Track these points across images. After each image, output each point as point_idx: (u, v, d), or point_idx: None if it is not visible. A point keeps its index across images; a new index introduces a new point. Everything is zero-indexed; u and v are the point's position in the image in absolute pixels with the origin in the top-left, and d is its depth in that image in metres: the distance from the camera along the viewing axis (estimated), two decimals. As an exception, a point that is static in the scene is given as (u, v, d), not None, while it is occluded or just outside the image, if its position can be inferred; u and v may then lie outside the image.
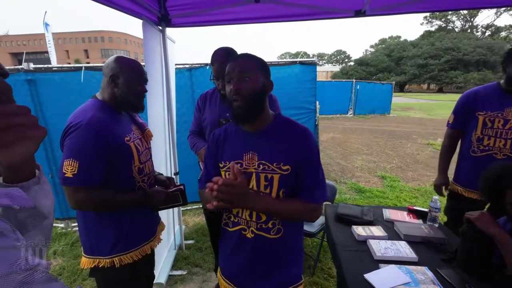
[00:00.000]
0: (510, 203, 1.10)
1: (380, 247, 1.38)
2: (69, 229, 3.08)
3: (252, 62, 0.94)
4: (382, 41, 63.75)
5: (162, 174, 1.49)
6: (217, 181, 0.85)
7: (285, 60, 3.25)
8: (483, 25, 50.58)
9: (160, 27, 2.11)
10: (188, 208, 3.47)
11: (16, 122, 0.40)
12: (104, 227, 1.16)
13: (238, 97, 0.90)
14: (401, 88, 45.61)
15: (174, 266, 2.39)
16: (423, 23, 54.49)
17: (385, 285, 1.12)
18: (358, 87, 13.39)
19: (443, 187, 1.94)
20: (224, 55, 1.48)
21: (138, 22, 1.80)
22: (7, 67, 2.02)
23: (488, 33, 48.63)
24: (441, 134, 8.02)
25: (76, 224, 3.13)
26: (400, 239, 1.48)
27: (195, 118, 1.75)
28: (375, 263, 1.29)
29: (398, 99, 22.65)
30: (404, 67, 42.12)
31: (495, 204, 1.21)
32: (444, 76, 37.90)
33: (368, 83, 15.13)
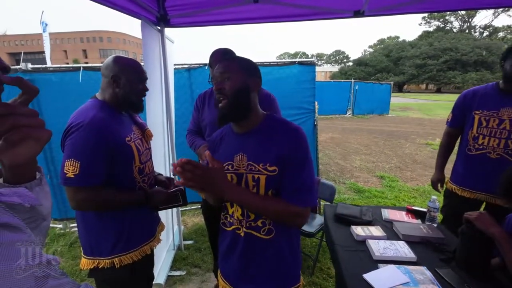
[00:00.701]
0: None
1: (379, 247, 1.38)
2: (68, 229, 3.07)
3: (233, 63, 0.95)
4: (381, 41, 63.91)
5: (161, 175, 1.49)
6: (185, 161, 0.81)
7: (284, 60, 3.25)
8: (481, 26, 50.94)
9: (159, 27, 2.11)
10: (187, 208, 3.47)
11: (22, 123, 0.40)
12: (105, 227, 1.16)
13: (221, 96, 0.93)
14: (399, 88, 45.74)
15: (173, 267, 2.38)
16: (421, 23, 54.62)
17: (384, 285, 1.12)
18: (357, 87, 13.41)
19: (439, 184, 1.96)
20: (222, 57, 1.48)
21: (137, 22, 1.80)
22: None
23: (486, 33, 48.82)
24: (440, 134, 8.04)
25: (74, 224, 3.14)
26: (399, 239, 1.49)
27: (193, 117, 1.75)
28: (374, 263, 1.29)
29: (396, 99, 22.70)
30: (403, 67, 42.23)
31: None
32: (443, 76, 38.03)
33: (367, 83, 15.16)
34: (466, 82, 34.51)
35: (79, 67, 2.64)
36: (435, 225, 1.63)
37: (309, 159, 0.92)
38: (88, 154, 1.04)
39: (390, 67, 44.45)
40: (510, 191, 1.19)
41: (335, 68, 58.00)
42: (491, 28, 48.54)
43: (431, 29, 53.45)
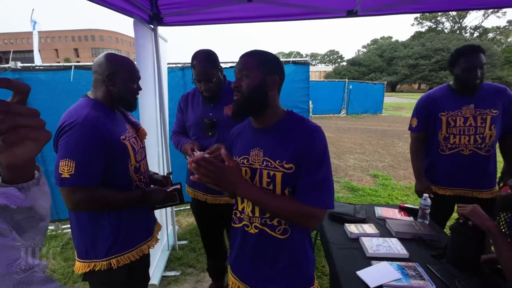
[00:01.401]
0: None
1: (372, 244, 1.40)
2: (59, 231, 3.02)
3: (252, 59, 0.94)
4: (374, 41, 64.56)
5: (157, 174, 1.48)
6: (200, 157, 0.86)
7: (278, 59, 3.26)
8: (472, 27, 51.84)
9: (152, 26, 2.09)
10: (181, 208, 3.45)
11: (22, 123, 0.40)
12: (101, 228, 1.14)
13: (237, 94, 0.94)
14: (392, 88, 46.30)
15: (167, 267, 2.37)
16: (413, 24, 55.44)
17: (377, 282, 1.14)
18: (350, 87, 13.53)
19: (426, 191, 1.95)
20: (203, 58, 1.48)
21: (130, 21, 1.78)
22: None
23: (476, 34, 49.75)
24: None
25: (66, 226, 3.09)
26: (392, 236, 1.51)
27: (177, 118, 1.75)
28: (367, 260, 1.31)
29: (390, 99, 22.98)
30: (396, 67, 42.78)
31: None
32: (435, 76, 38.64)
33: (361, 83, 15.31)
34: (457, 82, 35.05)
35: (70, 66, 2.59)
36: (427, 222, 1.65)
37: (327, 159, 0.90)
38: (83, 153, 1.02)
39: (384, 67, 44.97)
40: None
41: (329, 68, 58.40)
42: (481, 29, 49.50)
43: (423, 29, 54.30)
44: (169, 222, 2.68)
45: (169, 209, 2.62)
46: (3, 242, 0.36)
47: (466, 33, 51.18)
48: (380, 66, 45.06)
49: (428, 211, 1.67)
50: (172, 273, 2.28)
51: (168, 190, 1.30)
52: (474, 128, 1.67)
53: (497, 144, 1.75)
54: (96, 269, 1.14)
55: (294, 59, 3.07)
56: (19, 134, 0.40)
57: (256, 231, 0.96)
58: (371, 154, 6.35)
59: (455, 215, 1.49)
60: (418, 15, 48.70)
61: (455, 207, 1.35)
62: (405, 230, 1.53)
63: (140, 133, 1.31)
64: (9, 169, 0.45)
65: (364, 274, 1.19)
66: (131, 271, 1.22)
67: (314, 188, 0.88)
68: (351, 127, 10.03)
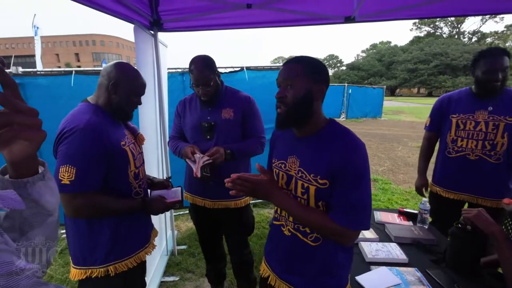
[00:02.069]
0: None
1: (371, 249, 1.39)
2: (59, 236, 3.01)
3: (298, 68, 0.88)
4: (373, 46, 64.97)
5: (156, 178, 1.49)
6: (235, 177, 0.93)
7: (278, 64, 3.28)
8: (470, 31, 52.25)
9: (152, 32, 2.11)
10: (181, 213, 3.44)
11: (15, 120, 0.41)
12: (99, 234, 1.13)
13: (281, 105, 0.91)
14: (392, 92, 46.48)
15: (166, 272, 2.35)
16: (412, 29, 55.90)
17: (376, 287, 1.14)
18: (350, 91, 13.59)
19: (423, 188, 2.00)
20: (201, 63, 1.50)
21: (131, 26, 1.80)
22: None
23: (474, 39, 50.16)
24: (431, 137, 8.00)
25: (64, 231, 3.07)
26: (391, 241, 1.50)
27: (175, 123, 1.76)
28: (366, 265, 1.30)
29: (389, 103, 23.06)
30: (395, 72, 43.04)
31: None
32: (434, 80, 38.89)
33: (360, 87, 15.36)
34: (457, 86, 35.27)
35: (71, 71, 2.61)
36: (426, 226, 1.65)
37: (366, 178, 0.85)
38: (84, 160, 1.02)
39: (383, 72, 45.23)
40: None
41: (329, 72, 58.61)
42: (479, 33, 49.92)
43: (421, 34, 54.70)
44: (168, 227, 2.67)
45: (168, 214, 2.61)
46: None
47: (464, 38, 51.62)
48: (379, 70, 45.32)
49: (428, 215, 1.67)
50: (171, 279, 2.27)
51: (168, 201, 1.31)
52: (484, 134, 1.64)
53: None
54: (93, 276, 1.13)
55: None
56: (11, 132, 0.41)
57: (289, 234, 0.99)
58: (371, 158, 6.35)
59: None
60: (416, 20, 49.15)
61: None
62: (404, 235, 1.52)
63: (138, 139, 1.31)
64: (11, 165, 0.47)
65: (363, 279, 1.19)
66: (128, 279, 1.21)
67: (349, 209, 0.84)
68: (350, 131, 10.04)
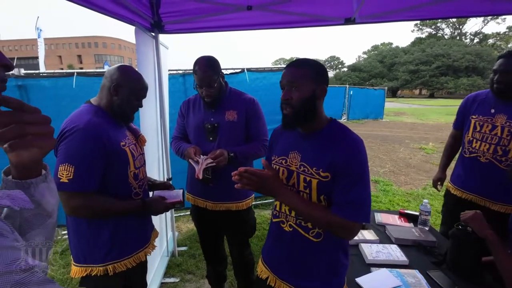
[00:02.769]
0: None
1: (372, 251, 1.39)
2: (59, 237, 3.02)
3: (302, 71, 0.94)
4: (375, 47, 64.93)
5: (157, 180, 1.50)
6: (243, 170, 0.94)
7: (278, 66, 3.30)
8: (472, 33, 52.13)
9: (153, 34, 2.12)
10: (181, 214, 3.44)
11: (31, 131, 0.43)
12: (98, 234, 1.14)
13: (287, 106, 0.95)
14: (393, 93, 46.39)
15: (166, 273, 2.35)
16: (413, 30, 55.74)
17: (376, 289, 1.13)
18: (351, 93, 13.57)
19: (438, 183, 2.02)
20: (205, 64, 1.51)
21: (132, 28, 1.81)
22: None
23: (476, 40, 50.02)
24: (433, 139, 8.07)
25: (66, 232, 3.08)
26: (392, 243, 1.50)
27: (178, 124, 1.77)
28: (366, 267, 1.30)
29: (390, 104, 22.98)
30: (396, 73, 42.95)
31: None
32: (435, 81, 38.77)
33: (361, 88, 15.35)
34: (458, 87, 35.22)
35: (73, 73, 2.63)
36: (427, 228, 1.65)
37: (365, 173, 0.90)
38: (83, 159, 1.03)
39: (384, 73, 45.16)
40: None
41: (330, 74, 58.64)
42: (481, 35, 49.77)
43: (423, 35, 54.62)
44: (169, 228, 2.67)
45: (169, 215, 2.62)
46: (4, 243, 0.37)
47: (466, 39, 51.48)
48: (381, 71, 45.27)
49: (429, 217, 1.67)
50: (171, 280, 2.27)
51: (169, 201, 1.31)
52: (498, 138, 1.62)
53: None
54: (92, 274, 1.14)
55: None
56: (26, 142, 0.43)
57: (291, 229, 1.01)
58: (372, 160, 6.33)
59: None
60: (418, 21, 49.14)
61: None
62: (405, 237, 1.52)
63: (139, 140, 1.32)
64: (17, 167, 0.48)
65: (363, 281, 1.19)
66: (128, 279, 1.22)
67: (351, 203, 0.88)
68: (352, 133, 10.02)
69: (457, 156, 1.95)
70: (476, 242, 1.18)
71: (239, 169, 0.95)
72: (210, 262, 1.96)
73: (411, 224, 1.72)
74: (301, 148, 0.99)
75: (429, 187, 4.35)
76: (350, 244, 1.46)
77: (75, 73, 2.62)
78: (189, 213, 3.45)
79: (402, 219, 1.79)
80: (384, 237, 1.57)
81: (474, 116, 1.74)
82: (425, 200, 1.69)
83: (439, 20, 47.88)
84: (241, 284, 1.92)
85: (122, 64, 1.22)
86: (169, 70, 2.74)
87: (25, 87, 2.56)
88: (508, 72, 1.52)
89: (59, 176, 1.02)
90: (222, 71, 1.60)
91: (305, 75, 0.93)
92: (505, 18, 45.50)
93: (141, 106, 1.26)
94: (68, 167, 1.01)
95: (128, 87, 1.17)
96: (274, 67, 3.19)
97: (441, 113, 16.05)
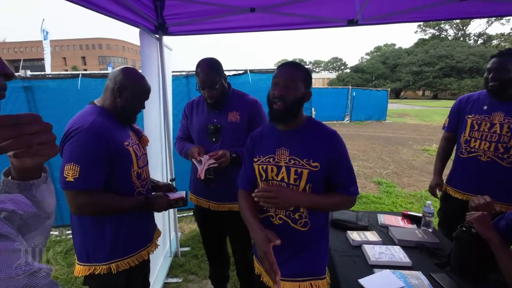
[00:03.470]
0: None
1: (375, 252, 1.39)
2: (63, 236, 3.04)
3: (298, 73, 1.04)
4: (378, 48, 64.74)
5: (160, 182, 1.51)
6: (258, 191, 1.02)
7: (281, 67, 3.29)
8: (475, 34, 51.66)
9: (157, 36, 2.15)
10: (184, 214, 3.45)
11: (33, 142, 0.44)
12: (102, 232, 1.16)
13: (280, 102, 1.03)
14: (396, 94, 46.16)
15: (169, 274, 2.36)
16: (417, 31, 55.48)
17: (379, 290, 1.13)
18: (354, 94, 13.54)
19: (437, 189, 1.98)
20: (207, 66, 1.52)
21: (136, 29, 1.83)
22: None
23: (480, 41, 49.64)
24: (436, 140, 8.00)
25: (70, 231, 3.10)
26: (395, 244, 1.50)
27: (182, 125, 1.79)
28: (369, 268, 1.30)
29: (394, 106, 22.87)
30: (399, 74, 42.72)
31: None
32: (439, 83, 38.49)
33: (364, 90, 15.31)
34: (462, 88, 34.90)
35: (78, 74, 2.66)
36: (430, 230, 1.64)
37: (349, 157, 1.09)
38: (87, 158, 1.06)
39: (387, 74, 44.94)
40: None
41: (333, 75, 58.52)
42: (485, 36, 49.39)
43: (426, 36, 54.29)
44: (172, 229, 2.69)
45: (172, 215, 2.63)
46: (12, 247, 0.38)
47: (470, 40, 51.10)
48: (384, 73, 45.05)
49: (432, 218, 1.66)
50: (174, 280, 2.28)
51: (171, 198, 1.32)
52: (498, 136, 1.61)
53: None
54: (96, 273, 1.16)
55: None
56: (31, 152, 0.44)
57: (280, 222, 1.09)
58: (375, 161, 6.31)
59: None
60: (421, 23, 48.90)
61: None
62: (408, 238, 1.51)
63: (142, 140, 1.34)
64: (18, 171, 0.49)
65: (366, 282, 1.19)
66: (130, 277, 1.24)
67: (350, 183, 1.08)
68: (354, 134, 9.99)
69: (452, 158, 1.93)
70: (480, 244, 1.17)
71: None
72: (212, 263, 1.96)
73: (414, 226, 1.72)
74: (287, 144, 1.08)
75: (433, 188, 4.32)
76: (353, 245, 1.48)
77: (80, 75, 2.65)
78: (192, 213, 3.47)
79: (405, 220, 1.79)
80: (387, 238, 1.57)
81: (470, 116, 1.73)
82: (428, 202, 1.68)
83: (443, 21, 47.65)
84: (244, 284, 1.92)
85: (126, 66, 1.24)
86: (172, 72, 2.76)
87: (31, 89, 2.60)
88: (501, 69, 1.53)
89: (65, 175, 1.04)
90: (225, 72, 1.61)
91: (300, 77, 1.04)
92: (509, 19, 45.10)
93: (143, 107, 1.28)
94: (74, 166, 1.03)
95: (132, 89, 1.19)
96: (277, 69, 3.20)
97: (445, 114, 15.83)
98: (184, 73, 3.05)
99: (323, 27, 2.23)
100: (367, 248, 1.41)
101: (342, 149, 1.07)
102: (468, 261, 1.22)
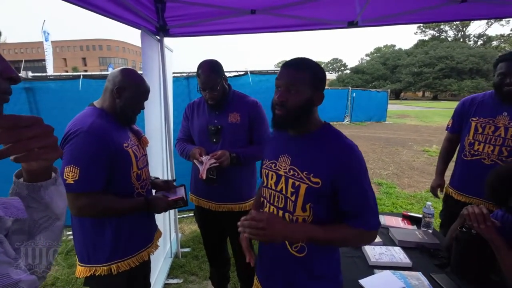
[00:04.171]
0: None
1: (375, 253, 1.39)
2: (64, 237, 3.05)
3: (302, 74, 0.87)
4: (377, 49, 64.77)
5: (158, 178, 1.51)
6: (245, 219, 0.86)
7: (281, 68, 3.30)
8: (475, 35, 51.71)
9: (158, 37, 2.16)
10: (185, 215, 3.46)
11: (34, 146, 0.44)
12: (102, 233, 1.17)
13: (281, 108, 0.89)
14: (396, 95, 46.20)
15: (170, 274, 2.37)
16: (416, 32, 55.71)
17: (380, 291, 1.13)
18: (354, 95, 13.56)
19: (438, 189, 1.98)
20: (208, 68, 1.53)
21: (136, 30, 1.84)
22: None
23: (480, 42, 49.72)
24: (436, 141, 8.02)
25: (70, 232, 3.10)
26: (395, 245, 1.50)
27: (182, 126, 1.80)
28: (370, 269, 1.30)
29: (394, 107, 22.89)
30: (399, 75, 42.80)
31: (500, 207, 1.23)
32: (439, 84, 38.56)
33: (364, 90, 15.32)
34: (462, 89, 34.97)
35: (79, 75, 2.67)
36: (430, 231, 1.64)
37: (367, 179, 0.87)
38: (87, 160, 1.06)
39: (387, 75, 45.00)
40: (494, 196, 1.20)
41: (333, 76, 58.51)
42: (485, 37, 49.46)
43: (426, 38, 54.38)
44: (172, 229, 2.69)
45: (172, 216, 2.63)
46: None
47: (470, 41, 51.18)
48: (384, 74, 45.11)
49: (432, 219, 1.66)
50: (175, 281, 2.28)
51: (170, 199, 1.33)
52: (502, 139, 1.60)
53: None
54: (96, 274, 1.16)
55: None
56: (32, 155, 0.45)
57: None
58: (375, 162, 6.31)
59: None
60: (421, 24, 48.95)
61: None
62: (408, 239, 1.52)
63: (142, 141, 1.35)
64: (27, 173, 0.50)
65: (366, 282, 1.19)
66: (131, 278, 1.24)
67: (361, 212, 0.87)
68: (354, 135, 10.00)
69: (455, 159, 1.94)
70: (481, 245, 1.18)
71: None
72: (213, 264, 1.97)
73: (414, 227, 1.72)
74: (291, 151, 0.94)
75: (433, 189, 4.32)
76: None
77: (81, 76, 2.66)
78: (192, 214, 3.47)
79: (405, 221, 1.79)
80: (387, 239, 1.57)
81: (474, 119, 1.72)
82: (428, 203, 1.68)
83: (442, 23, 47.68)
84: (244, 285, 1.93)
85: (125, 67, 1.25)
86: (173, 73, 2.77)
87: (32, 90, 2.61)
88: None
89: (65, 177, 1.04)
90: (225, 74, 1.62)
91: (304, 80, 0.87)
92: (509, 20, 45.17)
93: (143, 108, 1.28)
94: (74, 169, 1.04)
95: (131, 89, 1.19)
96: (277, 70, 3.20)
97: (445, 115, 15.95)
98: (185, 74, 3.06)
99: (323, 28, 2.24)
100: (367, 249, 1.42)
101: (356, 168, 0.85)
102: (468, 262, 1.22)
